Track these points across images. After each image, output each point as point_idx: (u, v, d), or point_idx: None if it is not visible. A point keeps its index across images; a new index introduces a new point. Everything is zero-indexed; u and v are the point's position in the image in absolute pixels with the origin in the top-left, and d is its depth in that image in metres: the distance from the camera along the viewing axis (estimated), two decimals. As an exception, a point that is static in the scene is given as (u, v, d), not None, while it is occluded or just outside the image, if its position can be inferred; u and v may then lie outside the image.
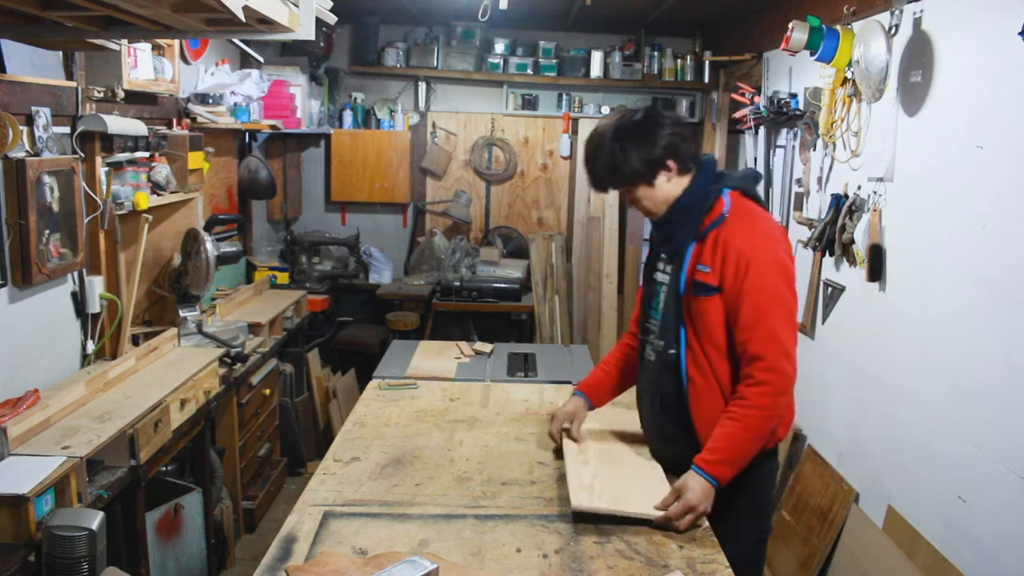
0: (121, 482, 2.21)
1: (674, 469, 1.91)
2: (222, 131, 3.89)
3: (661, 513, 1.75)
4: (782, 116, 3.61)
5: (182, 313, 3.23)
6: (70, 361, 2.71)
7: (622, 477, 1.93)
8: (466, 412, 2.48)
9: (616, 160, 1.88)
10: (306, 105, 4.74)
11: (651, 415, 2.05)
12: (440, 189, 5.46)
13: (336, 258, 5.06)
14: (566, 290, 5.23)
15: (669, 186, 1.91)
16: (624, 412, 2.48)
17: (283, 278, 4.60)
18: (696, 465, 1.79)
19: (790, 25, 2.88)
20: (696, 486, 1.76)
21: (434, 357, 3.06)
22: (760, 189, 2.16)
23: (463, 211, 5.37)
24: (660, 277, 2.01)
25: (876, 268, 2.75)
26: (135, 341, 2.98)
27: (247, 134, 4.42)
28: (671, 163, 1.89)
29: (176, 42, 3.25)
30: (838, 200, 3.04)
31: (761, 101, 3.82)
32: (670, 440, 1.94)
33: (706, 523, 1.79)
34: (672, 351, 1.93)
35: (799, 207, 3.58)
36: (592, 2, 4.02)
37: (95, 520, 1.89)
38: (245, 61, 4.37)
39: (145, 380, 2.64)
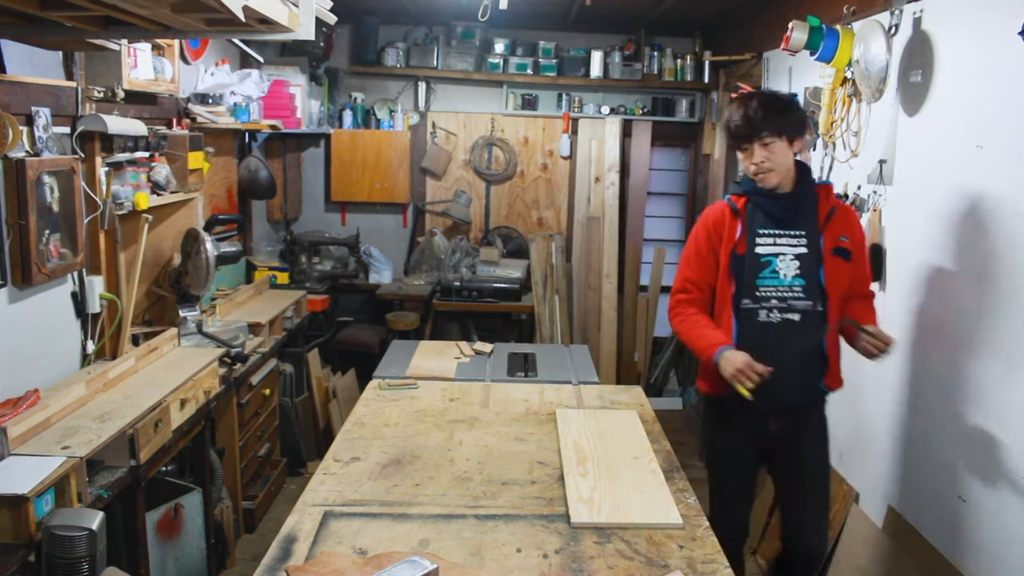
0: (121, 482, 2.21)
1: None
2: (222, 131, 3.89)
3: (662, 521, 1.78)
4: (782, 116, 3.60)
5: (182, 313, 3.23)
6: (70, 361, 2.71)
7: (622, 485, 1.94)
8: (466, 412, 2.48)
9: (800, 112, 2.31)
10: (306, 105, 4.74)
11: (795, 367, 2.28)
12: (440, 189, 5.46)
13: (336, 258, 5.06)
14: (566, 290, 5.23)
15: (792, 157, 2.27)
16: (624, 414, 2.48)
17: (283, 278, 4.60)
18: None
19: (790, 25, 2.88)
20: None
21: (434, 357, 3.06)
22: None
23: (463, 211, 5.37)
24: (777, 248, 2.29)
25: (876, 268, 2.75)
26: (135, 341, 2.98)
27: (247, 134, 4.42)
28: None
29: (176, 42, 3.25)
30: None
31: (761, 101, 3.81)
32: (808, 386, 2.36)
33: (706, 523, 1.80)
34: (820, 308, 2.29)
35: (799, 207, 3.58)
36: (592, 2, 4.02)
37: (95, 520, 1.89)
38: (245, 61, 4.36)
39: (145, 380, 2.64)
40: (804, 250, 2.27)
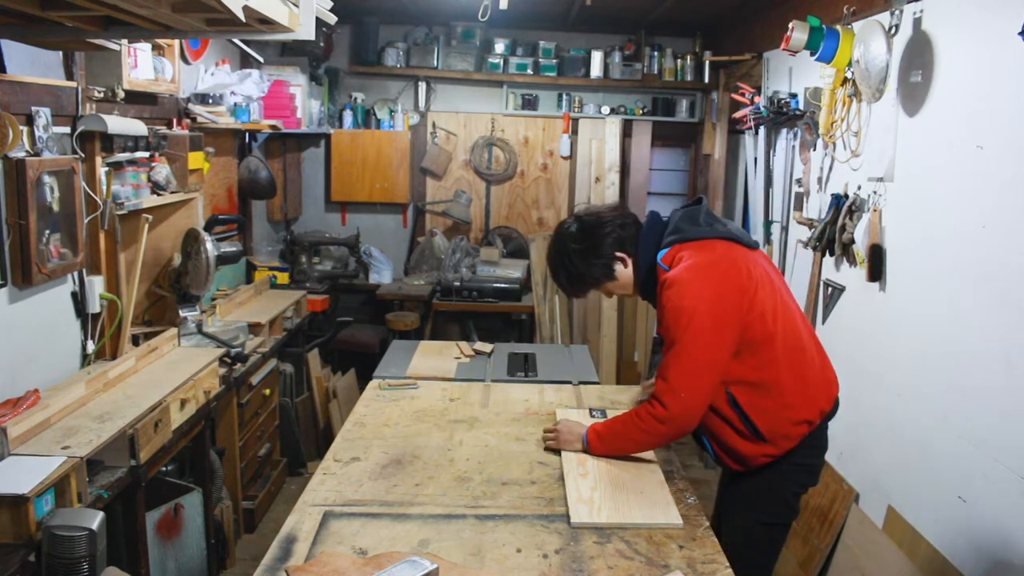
0: (121, 482, 2.21)
1: None
2: (222, 131, 3.89)
3: (662, 521, 1.78)
4: (782, 116, 3.61)
5: (182, 313, 3.23)
6: (70, 361, 2.71)
7: (622, 485, 1.94)
8: (466, 412, 2.48)
9: (573, 271, 2.12)
10: (306, 105, 4.74)
11: None
12: (440, 189, 5.46)
13: (336, 258, 5.06)
14: (566, 290, 5.23)
15: (628, 271, 2.13)
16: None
17: (283, 278, 4.60)
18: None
19: (790, 25, 2.88)
20: (567, 428, 2.15)
21: (434, 357, 3.06)
22: (711, 207, 2.17)
23: (463, 211, 5.37)
24: None
25: (876, 268, 2.75)
26: (135, 341, 2.98)
27: (247, 134, 4.42)
28: (621, 254, 2.11)
29: (176, 42, 3.25)
30: (838, 200, 3.04)
31: (761, 101, 3.82)
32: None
33: (707, 523, 1.80)
34: None
35: (799, 207, 3.58)
36: (592, 2, 4.02)
37: (95, 520, 1.89)
38: (245, 61, 4.37)
39: (145, 380, 2.64)
40: None
